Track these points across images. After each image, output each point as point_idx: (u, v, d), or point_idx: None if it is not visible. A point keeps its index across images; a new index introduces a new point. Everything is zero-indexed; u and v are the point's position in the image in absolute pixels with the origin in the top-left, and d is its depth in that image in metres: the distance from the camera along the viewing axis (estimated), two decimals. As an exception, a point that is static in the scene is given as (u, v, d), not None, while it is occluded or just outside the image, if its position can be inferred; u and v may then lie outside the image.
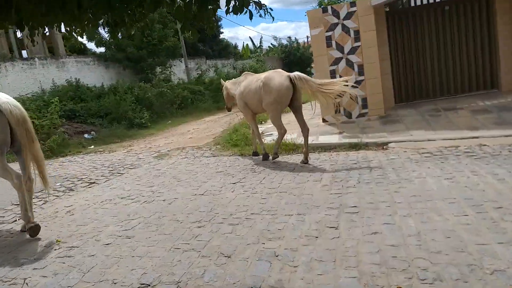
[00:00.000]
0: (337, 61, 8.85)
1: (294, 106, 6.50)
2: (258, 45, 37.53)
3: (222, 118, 15.19)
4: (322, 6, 8.97)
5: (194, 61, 24.59)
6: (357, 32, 8.64)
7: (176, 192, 5.44)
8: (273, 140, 7.96)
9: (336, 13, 8.67)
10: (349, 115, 9.06)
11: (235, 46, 36.35)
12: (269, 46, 39.22)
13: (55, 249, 3.87)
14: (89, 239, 4.04)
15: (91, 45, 36.96)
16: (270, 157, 6.86)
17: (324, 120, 9.22)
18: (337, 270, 2.86)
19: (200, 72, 21.45)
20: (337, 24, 8.71)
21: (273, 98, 6.27)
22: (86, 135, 12.07)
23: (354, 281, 2.70)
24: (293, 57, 36.24)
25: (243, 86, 6.97)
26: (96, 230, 4.28)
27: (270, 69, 29.66)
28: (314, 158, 6.53)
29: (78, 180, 6.72)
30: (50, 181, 5.44)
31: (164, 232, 4.00)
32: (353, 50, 8.72)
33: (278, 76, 6.31)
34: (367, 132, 7.77)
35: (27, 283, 3.22)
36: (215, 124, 13.32)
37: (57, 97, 11.94)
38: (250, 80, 6.91)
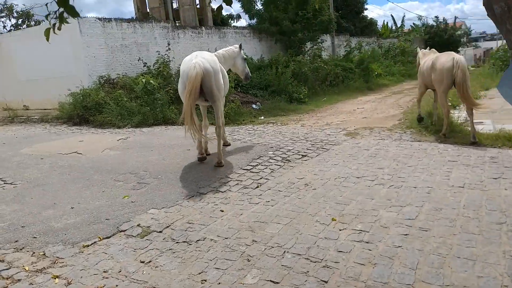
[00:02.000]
0: None
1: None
2: (400, 24, 34.75)
3: (382, 98, 14.14)
4: None
5: (338, 38, 23.56)
6: None
7: (422, 180, 4.72)
8: (479, 129, 6.98)
9: None
10: None
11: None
12: (411, 26, 36.19)
13: (341, 229, 3.45)
14: (372, 224, 3.53)
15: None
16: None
17: (550, 112, 7.66)
18: None
19: (348, 49, 20.37)
20: None
21: (437, 76, 6.81)
22: (253, 105, 12.07)
23: None
24: (439, 38, 32.88)
25: (423, 62, 7.77)
26: (369, 214, 3.77)
27: (417, 49, 27.35)
28: None
29: (288, 151, 6.42)
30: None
31: (468, 230, 3.31)
32: None
33: (445, 57, 6.81)
34: None
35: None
36: (380, 105, 12.36)
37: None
38: (428, 57, 7.61)
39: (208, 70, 5.18)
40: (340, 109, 12.20)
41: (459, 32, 34.17)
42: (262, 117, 11.09)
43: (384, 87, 18.49)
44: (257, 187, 4.77)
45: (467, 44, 41.49)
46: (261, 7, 18.69)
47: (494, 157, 5.60)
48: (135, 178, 5.39)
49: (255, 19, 18.97)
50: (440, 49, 25.54)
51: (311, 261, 2.98)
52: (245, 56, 7.28)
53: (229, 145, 7.05)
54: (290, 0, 18.06)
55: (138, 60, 12.73)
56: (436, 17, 35.44)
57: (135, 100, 11.04)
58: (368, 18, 29.63)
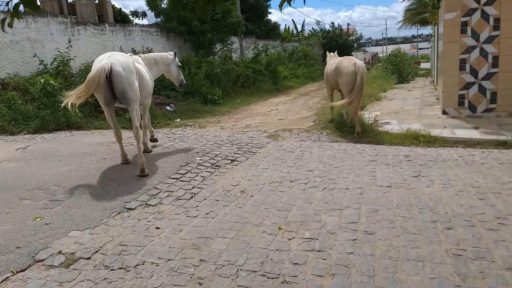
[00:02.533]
0: (469, 49, 8.09)
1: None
2: (300, 28, 36.45)
3: (292, 100, 14.57)
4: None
5: (245, 40, 23.80)
6: (497, 20, 7.86)
7: (351, 181, 4.84)
8: (387, 129, 7.61)
9: (476, -3, 7.89)
10: (473, 109, 8.34)
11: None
12: (310, 31, 38.13)
13: (290, 238, 3.32)
14: (319, 231, 3.47)
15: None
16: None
17: (444, 112, 8.52)
18: None
19: (256, 51, 20.67)
20: (476, 9, 7.93)
21: (343, 79, 7.43)
22: (168, 107, 11.51)
23: None
24: (335, 43, 35.13)
25: (327, 64, 8.50)
26: (313, 220, 3.71)
27: (316, 53, 28.89)
28: (466, 153, 5.96)
29: (216, 156, 6.15)
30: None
31: (408, 231, 3.41)
32: (489, 39, 7.96)
33: (347, 61, 7.50)
34: (506, 129, 7.07)
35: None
36: (292, 106, 12.70)
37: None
38: (331, 61, 8.36)
39: (117, 72, 4.95)
40: (255, 110, 12.25)
41: (352, 38, 36.85)
42: (178, 120, 10.64)
43: (291, 89, 19.13)
44: (192, 197, 4.44)
45: (358, 49, 45.01)
46: (167, 6, 18.03)
47: (408, 156, 6.00)
48: (45, 195, 4.66)
49: (161, 18, 18.27)
50: (338, 53, 27.16)
51: (268, 277, 2.79)
52: (180, 64, 7.20)
53: (151, 151, 6.61)
54: (197, 1, 17.69)
55: (34, 57, 11.33)
56: (332, 23, 37.89)
57: (31, 103, 9.79)
58: (272, 22, 30.47)
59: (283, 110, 11.80)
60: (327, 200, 4.23)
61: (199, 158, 5.98)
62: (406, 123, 8.14)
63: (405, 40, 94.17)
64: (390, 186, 4.59)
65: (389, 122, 8.30)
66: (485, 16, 7.90)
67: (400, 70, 18.33)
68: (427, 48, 55.86)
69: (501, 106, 8.16)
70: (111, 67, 4.85)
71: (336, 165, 5.56)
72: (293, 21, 74.61)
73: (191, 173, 5.30)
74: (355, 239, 3.27)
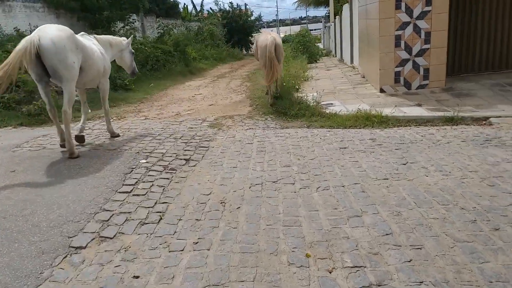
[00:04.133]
0: (404, 25, 7.91)
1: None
2: (199, 8, 34.79)
3: (211, 83, 13.47)
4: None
5: (146, 19, 21.65)
6: (429, -5, 7.76)
7: (341, 175, 4.12)
8: (335, 110, 7.18)
9: (410, -31, 7.66)
10: (408, 86, 8.26)
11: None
12: (207, 11, 36.64)
13: (331, 271, 2.44)
14: (358, 253, 2.65)
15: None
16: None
17: (381, 90, 8.31)
18: None
19: (161, 31, 18.85)
20: (410, -17, 7.72)
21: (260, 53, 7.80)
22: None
23: None
24: (235, 24, 34.39)
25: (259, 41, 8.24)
26: (338, 236, 2.87)
27: (221, 33, 27.76)
28: (424, 132, 5.74)
29: (163, 156, 4.91)
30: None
31: (456, 237, 2.78)
32: (422, 15, 7.84)
33: (263, 37, 8.04)
34: (447, 105, 7.07)
35: None
36: (215, 90, 11.64)
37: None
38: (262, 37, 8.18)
39: (46, 46, 4.37)
40: (176, 96, 10.91)
41: (252, 18, 36.38)
42: (89, 110, 8.85)
43: (203, 71, 17.88)
44: (160, 219, 3.27)
45: (259, 29, 44.89)
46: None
47: (374, 139, 5.50)
48: None
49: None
50: (238, 34, 26.58)
51: None
52: (133, 51, 6.70)
53: (118, 136, 6.04)
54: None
55: None
56: (231, 3, 36.93)
57: None
58: (171, 0, 28.38)
59: (208, 95, 10.67)
60: (333, 204, 3.43)
61: (144, 161, 4.69)
62: (350, 103, 7.72)
63: (294, 22, 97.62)
64: (387, 179, 3.97)
65: (332, 104, 7.81)
66: (418, -9, 7.74)
67: (310, 50, 18.28)
68: (315, 30, 58.07)
69: (433, 82, 8.20)
70: (39, 40, 4.32)
71: (310, 157, 4.79)
72: (191, 1, 71.26)
73: (143, 182, 4.05)
74: (410, 260, 2.53)
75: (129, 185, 3.95)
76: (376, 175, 4.07)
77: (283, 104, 7.81)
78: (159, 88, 12.47)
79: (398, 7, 7.81)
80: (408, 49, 8.02)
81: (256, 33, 41.06)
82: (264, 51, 7.57)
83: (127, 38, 6.66)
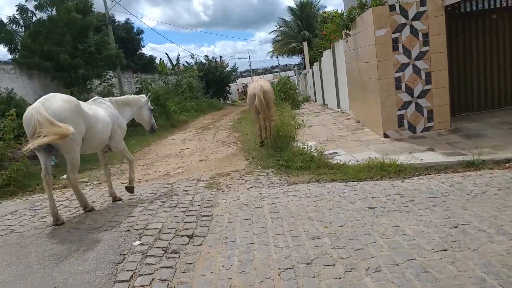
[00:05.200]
0: (403, 67, 7.48)
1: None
2: (175, 62, 34.72)
3: (196, 136, 12.70)
4: (389, 3, 7.48)
5: (123, 75, 21.09)
6: (425, 35, 7.41)
7: (389, 248, 3.30)
8: (343, 160, 6.49)
9: (404, 13, 7.34)
10: (413, 129, 7.71)
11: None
12: (183, 64, 36.61)
13: None
14: None
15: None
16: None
17: (385, 135, 7.71)
18: None
19: (139, 85, 18.24)
20: (405, 25, 7.37)
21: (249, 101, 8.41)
22: (47, 161, 8.54)
23: None
24: (212, 75, 34.41)
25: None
26: None
27: (199, 86, 27.46)
28: (450, 181, 5.09)
29: (160, 233, 3.97)
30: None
31: None
32: (421, 55, 7.46)
33: (252, 86, 8.50)
34: (461, 148, 6.49)
35: None
36: (202, 143, 10.85)
37: (14, 109, 8.23)
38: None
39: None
40: (161, 152, 10.04)
41: (227, 69, 36.56)
42: (65, 176, 7.82)
43: (185, 123, 17.18)
44: None
45: (235, 80, 45.24)
46: (26, 38, 14.55)
47: (400, 193, 4.77)
48: None
49: (17, 53, 14.60)
50: (215, 85, 26.45)
51: None
52: (152, 107, 6.52)
53: (120, 200, 5.57)
54: (65, 33, 14.73)
55: None
56: (206, 55, 37.17)
57: None
58: (148, 56, 28.20)
59: (196, 149, 9.86)
60: (398, 293, 2.58)
61: (138, 242, 3.74)
62: (355, 151, 7.06)
63: (266, 70, 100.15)
64: (446, 250, 3.17)
65: (336, 153, 7.11)
66: (414, 31, 7.39)
67: (292, 97, 17.95)
68: (291, 76, 58.96)
69: (438, 124, 7.69)
70: (38, 112, 4.18)
71: (338, 222, 3.96)
72: (167, 54, 71.79)
73: (141, 275, 3.09)
74: None
75: (123, 281, 2.98)
76: (431, 245, 3.27)
77: (283, 155, 7.07)
78: (142, 145, 11.59)
79: (395, 48, 7.41)
80: (410, 91, 7.55)
81: (232, 83, 41.36)
82: (253, 99, 7.94)
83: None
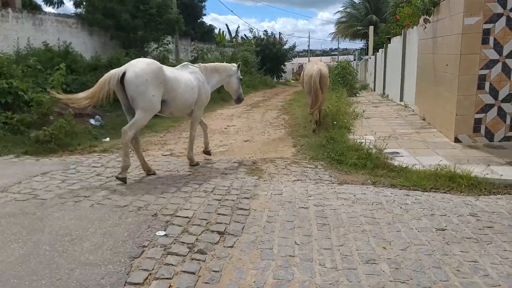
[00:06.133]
0: (490, 64, 6.37)
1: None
2: (234, 34, 34.11)
3: (246, 113, 12.15)
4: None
5: (180, 42, 20.86)
6: (525, 30, 6.23)
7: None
8: (405, 163, 5.61)
9: (503, 0, 6.17)
10: (490, 137, 6.64)
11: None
12: (242, 38, 35.91)
13: None
14: None
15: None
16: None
17: (456, 140, 6.71)
18: None
19: (195, 54, 17.89)
20: (501, 15, 6.22)
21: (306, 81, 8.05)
22: (92, 120, 8.39)
23: None
24: (269, 51, 33.49)
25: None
26: None
27: (255, 60, 26.80)
28: None
29: (188, 224, 3.46)
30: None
31: None
32: (514, 53, 6.31)
33: (309, 66, 8.23)
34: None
35: None
36: (249, 122, 10.31)
37: (63, 63, 8.08)
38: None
39: (128, 78, 4.59)
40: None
41: (285, 47, 35.47)
42: (107, 139, 7.62)
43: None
44: None
45: (292, 58, 43.99)
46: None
47: (474, 215, 3.93)
48: None
49: (83, 8, 14.62)
50: (271, 62, 25.45)
51: None
52: (241, 77, 6.57)
53: (198, 164, 5.75)
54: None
55: None
56: (265, 31, 36.22)
57: None
58: (208, 25, 27.81)
59: (242, 127, 9.32)
60: None
61: (163, 232, 3.25)
62: (420, 154, 6.16)
63: (324, 53, 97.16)
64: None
65: (398, 153, 6.25)
66: (511, 24, 6.22)
67: (350, 83, 16.83)
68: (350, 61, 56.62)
69: (522, 134, 6.57)
70: (124, 73, 4.61)
71: (400, 245, 3.22)
72: (226, 25, 70.92)
73: (157, 278, 2.58)
74: None
75: (135, 284, 2.49)
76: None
77: (336, 148, 6.33)
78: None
79: (485, 41, 6.30)
80: (494, 92, 6.45)
81: (288, 61, 40.23)
82: (309, 81, 7.70)
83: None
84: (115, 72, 4.63)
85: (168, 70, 5.07)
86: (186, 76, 5.36)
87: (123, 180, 4.67)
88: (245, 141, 7.74)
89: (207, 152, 6.32)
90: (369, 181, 5.17)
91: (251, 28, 55.21)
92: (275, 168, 5.63)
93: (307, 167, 5.72)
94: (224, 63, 6.45)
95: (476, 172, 5.10)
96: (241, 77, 6.63)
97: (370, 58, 22.90)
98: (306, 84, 7.93)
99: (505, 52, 6.31)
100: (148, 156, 6.32)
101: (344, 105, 10.86)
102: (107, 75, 4.62)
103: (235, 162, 5.92)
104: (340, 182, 5.07)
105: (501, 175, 5.12)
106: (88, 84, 9.98)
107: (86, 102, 4.63)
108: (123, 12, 13.93)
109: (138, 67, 4.68)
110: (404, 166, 5.48)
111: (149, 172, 5.20)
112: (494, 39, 6.29)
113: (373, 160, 5.74)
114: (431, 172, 5.22)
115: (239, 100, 6.62)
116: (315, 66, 7.84)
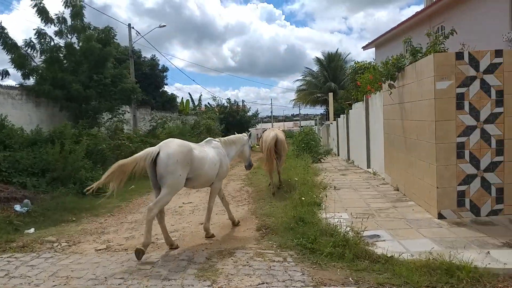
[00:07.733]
0: (468, 130, 5.73)
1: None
2: (197, 103, 33.93)
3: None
4: (456, 51, 5.86)
5: (139, 111, 19.99)
6: (500, 93, 5.72)
7: None
8: (388, 250, 4.66)
9: (474, 63, 5.70)
10: (476, 211, 5.83)
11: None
12: (205, 106, 35.77)
13: None
14: None
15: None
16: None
17: (440, 216, 5.84)
18: None
19: (154, 123, 16.94)
20: (474, 78, 5.71)
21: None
22: (17, 207, 6.92)
23: None
24: (232, 119, 33.37)
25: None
26: None
27: (218, 128, 26.24)
28: None
29: None
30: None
31: None
32: (492, 118, 5.73)
33: (267, 133, 8.86)
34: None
35: None
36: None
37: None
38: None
39: (161, 157, 4.85)
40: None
41: (249, 114, 35.54)
42: (32, 230, 6.19)
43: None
44: None
45: (255, 125, 44.15)
46: (40, 64, 13.57)
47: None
48: None
49: (32, 78, 13.56)
50: (235, 128, 24.97)
51: None
52: (251, 144, 6.94)
53: (213, 236, 5.63)
54: (81, 62, 13.75)
55: None
56: (229, 99, 36.36)
57: None
58: (169, 94, 27.35)
59: (200, 205, 8.12)
60: None
61: None
62: (404, 236, 5.19)
63: (287, 118, 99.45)
64: None
65: (378, 236, 5.24)
66: (485, 87, 5.71)
67: (314, 149, 16.28)
68: (306, 127, 57.59)
69: (510, 207, 5.80)
70: (159, 152, 4.86)
71: None
72: (189, 94, 71.37)
73: None
74: None
75: None
76: None
77: (306, 232, 5.24)
78: (141, 192, 9.93)
79: (459, 106, 5.72)
80: (475, 161, 5.76)
81: (252, 127, 40.17)
82: (266, 146, 8.25)
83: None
84: (151, 150, 4.85)
85: (196, 150, 5.27)
86: (211, 153, 5.58)
87: (138, 256, 4.56)
88: (201, 223, 6.53)
89: (236, 224, 6.26)
90: (350, 279, 4.07)
91: (214, 97, 56.00)
92: (234, 266, 4.44)
93: (274, 261, 4.57)
94: (238, 134, 6.69)
95: (472, 258, 4.13)
96: (252, 145, 6.97)
97: (332, 123, 22.84)
98: (265, 150, 8.35)
99: (482, 117, 5.73)
100: (76, 253, 4.97)
101: (311, 175, 10.01)
102: (143, 153, 4.84)
103: (183, 259, 4.67)
104: (315, 284, 3.94)
105: (505, 263, 4.18)
106: (22, 161, 8.67)
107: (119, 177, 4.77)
108: (74, 83, 12.99)
109: (171, 147, 4.92)
110: (389, 256, 4.45)
111: (171, 246, 5.12)
112: (470, 103, 5.72)
113: (352, 247, 4.69)
114: (422, 263, 4.21)
115: (250, 166, 6.89)
116: (272, 132, 8.54)
